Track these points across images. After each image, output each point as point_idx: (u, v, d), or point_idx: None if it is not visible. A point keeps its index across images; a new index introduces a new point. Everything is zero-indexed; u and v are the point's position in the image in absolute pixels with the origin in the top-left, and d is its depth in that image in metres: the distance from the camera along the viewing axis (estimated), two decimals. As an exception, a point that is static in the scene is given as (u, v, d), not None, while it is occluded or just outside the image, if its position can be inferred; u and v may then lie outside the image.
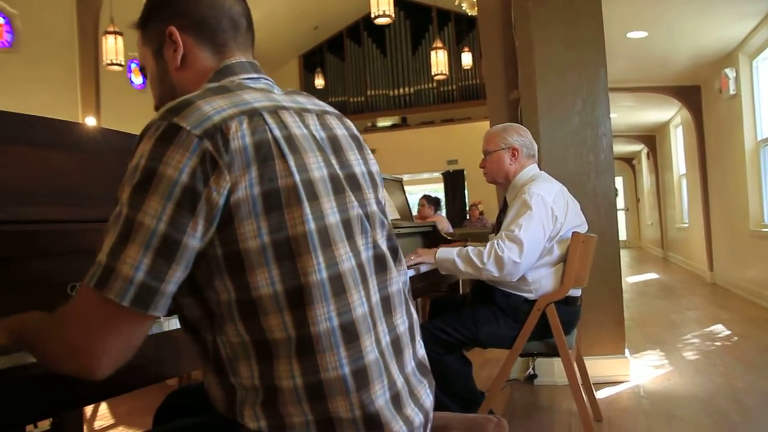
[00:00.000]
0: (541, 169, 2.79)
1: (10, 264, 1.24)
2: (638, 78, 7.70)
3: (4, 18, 11.65)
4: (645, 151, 14.24)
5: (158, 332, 1.36)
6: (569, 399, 3.19)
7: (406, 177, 6.33)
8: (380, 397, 0.97)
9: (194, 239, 0.88)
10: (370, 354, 0.97)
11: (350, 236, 1.00)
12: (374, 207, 1.08)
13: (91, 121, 12.60)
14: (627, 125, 11.62)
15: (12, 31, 11.80)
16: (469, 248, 2.52)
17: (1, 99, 10.89)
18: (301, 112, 1.04)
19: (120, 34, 10.72)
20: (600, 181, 3.64)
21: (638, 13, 5.36)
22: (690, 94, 8.19)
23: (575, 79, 3.65)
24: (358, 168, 1.08)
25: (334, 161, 1.03)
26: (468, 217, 13.11)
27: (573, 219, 2.58)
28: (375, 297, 1.02)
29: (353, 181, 1.05)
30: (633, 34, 5.89)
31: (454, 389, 2.55)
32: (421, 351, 1.12)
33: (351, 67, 16.34)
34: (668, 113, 10.34)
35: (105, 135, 1.76)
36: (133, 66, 14.41)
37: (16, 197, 1.38)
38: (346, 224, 1.00)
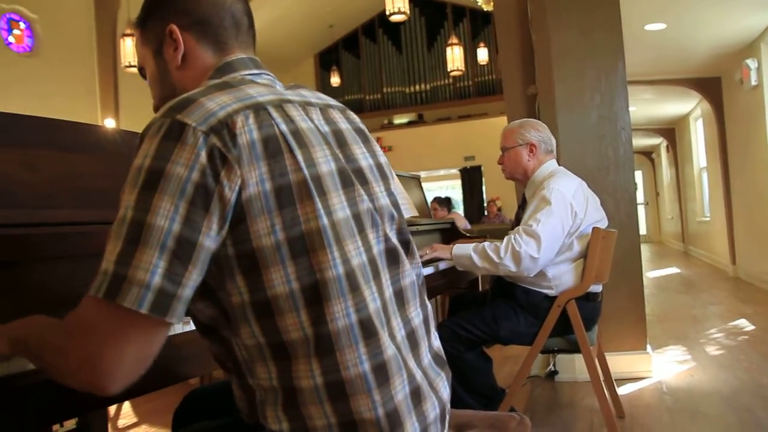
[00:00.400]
0: (559, 165, 2.77)
1: (34, 266, 1.25)
2: (657, 71, 7.62)
3: (24, 23, 11.80)
4: (664, 144, 14.09)
5: (181, 331, 1.37)
6: (591, 395, 3.17)
7: (423, 174, 6.31)
8: (399, 393, 0.95)
9: (209, 239, 0.85)
10: (389, 349, 0.95)
11: (361, 230, 0.98)
12: (383, 200, 1.05)
13: (110, 123, 12.74)
14: (646, 118, 11.51)
15: (32, 35, 11.94)
16: (486, 243, 2.51)
17: (22, 102, 11.04)
18: (305, 106, 1.02)
19: (137, 36, 10.79)
20: (619, 176, 3.61)
21: (656, 4, 5.30)
22: (710, 86, 8.09)
23: (593, 73, 3.62)
24: (365, 161, 1.05)
25: (340, 155, 1.01)
26: (486, 213, 13.07)
27: (593, 214, 2.56)
28: (388, 291, 1.00)
29: (360, 175, 1.03)
30: (651, 27, 5.83)
31: (475, 386, 2.54)
32: (437, 343, 1.10)
33: (367, 65, 16.32)
34: (688, 106, 10.22)
35: (125, 137, 1.77)
36: (151, 67, 14.50)
37: (41, 200, 1.40)
38: (357, 218, 0.98)
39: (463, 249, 2.53)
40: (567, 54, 3.64)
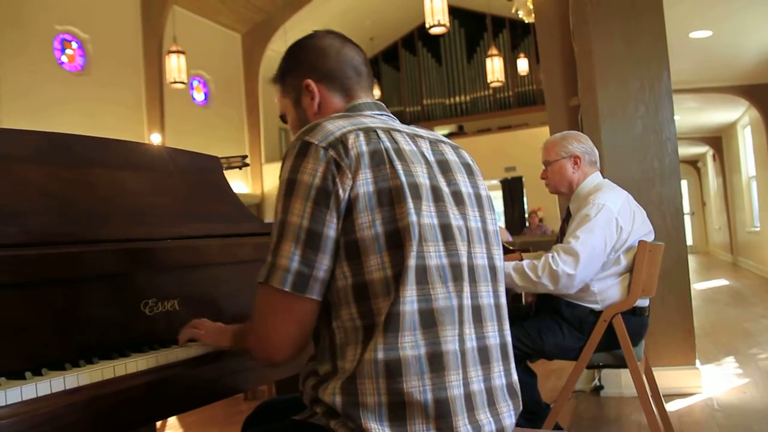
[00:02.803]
0: (603, 176, 2.73)
1: (84, 284, 1.29)
2: (702, 78, 7.46)
3: (77, 43, 12.20)
4: (710, 153, 13.77)
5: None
6: (638, 411, 3.10)
7: (464, 186, 6.28)
8: (454, 388, 1.04)
9: (331, 230, 1.04)
10: (449, 344, 1.05)
11: (447, 239, 1.10)
12: (474, 223, 1.17)
13: (156, 138, 13.05)
14: (691, 127, 11.27)
15: (84, 55, 12.34)
16: (525, 262, 2.48)
17: (74, 119, 11.41)
18: (413, 136, 1.18)
19: (182, 52, 11.09)
20: (665, 188, 3.54)
21: (701, 12, 5.21)
22: (759, 93, 7.89)
23: (637, 84, 3.57)
24: (465, 188, 1.19)
25: (440, 177, 1.15)
26: (527, 224, 12.95)
27: (640, 228, 2.51)
28: (466, 300, 1.10)
29: (458, 197, 1.16)
30: (696, 34, 5.73)
31: (519, 402, 2.51)
32: (515, 376, 1.19)
33: (406, 77, 16.40)
34: (735, 113, 9.97)
35: (172, 155, 1.82)
36: (195, 83, 14.87)
37: (92, 218, 1.45)
38: (443, 228, 1.10)
39: (504, 267, 2.51)
40: (610, 64, 3.60)
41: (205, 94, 15.39)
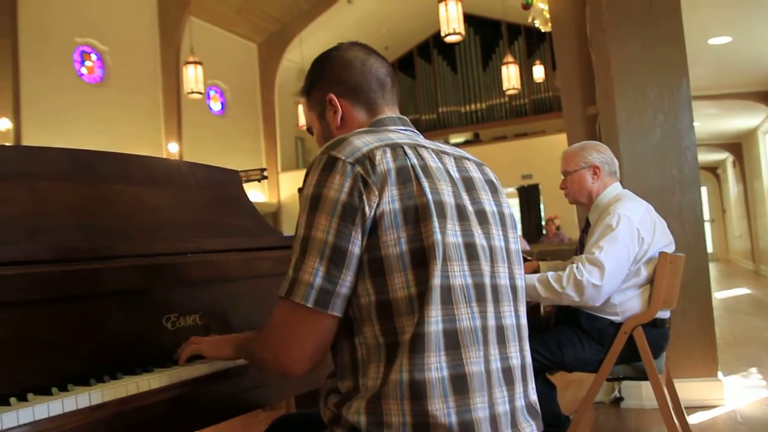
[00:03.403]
0: (622, 185, 2.71)
1: (107, 300, 1.31)
2: (721, 84, 7.40)
3: (96, 54, 12.36)
4: (730, 159, 13.63)
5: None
6: (659, 424, 3.06)
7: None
8: (479, 410, 1.04)
9: (356, 246, 1.04)
10: (474, 366, 1.05)
11: (471, 259, 1.10)
12: (497, 242, 1.17)
13: (173, 148, 13.16)
14: (710, 133, 11.17)
15: (103, 66, 12.49)
16: (549, 273, 2.46)
17: (94, 129, 11.56)
18: (439, 153, 1.17)
19: (199, 63, 11.19)
20: (685, 196, 3.50)
21: (720, 18, 5.17)
22: (780, 99, 7.81)
23: (655, 92, 3.54)
24: (489, 207, 1.18)
25: (464, 195, 1.15)
26: (544, 232, 12.88)
27: (660, 239, 2.49)
28: (491, 321, 1.10)
29: (482, 215, 1.16)
30: (715, 40, 5.68)
31: (539, 414, 2.49)
32: (534, 396, 1.18)
33: (422, 85, 16.42)
34: (755, 119, 9.86)
35: (192, 169, 1.83)
36: (212, 93, 14.99)
37: (114, 234, 1.46)
38: (468, 247, 1.10)
39: (528, 279, 2.49)
40: (628, 72, 3.57)
41: (222, 104, 15.51)
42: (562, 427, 2.54)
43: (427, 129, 15.95)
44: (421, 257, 1.04)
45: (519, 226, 14.45)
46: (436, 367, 1.02)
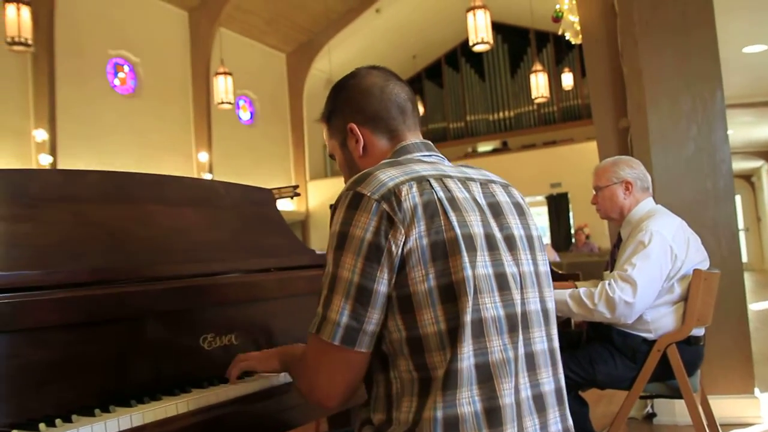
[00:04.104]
0: (654, 198, 2.69)
1: (146, 321, 1.34)
2: (756, 92, 7.28)
3: (129, 66, 12.59)
4: (765, 167, 13.38)
5: (285, 382, 1.42)
6: (694, 441, 3.00)
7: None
8: None
9: (383, 285, 1.05)
10: (506, 398, 1.05)
11: (502, 289, 1.10)
12: (527, 266, 1.16)
13: (204, 157, 13.33)
14: (744, 141, 10.98)
15: (135, 78, 12.72)
16: (581, 289, 2.45)
17: (126, 140, 11.77)
18: (465, 180, 1.17)
19: (229, 74, 11.35)
20: (719, 210, 3.45)
21: (755, 26, 5.09)
22: (816, 107, 7.66)
23: (689, 103, 3.50)
24: (517, 231, 1.18)
25: (493, 223, 1.14)
26: (574, 241, 12.75)
27: (694, 256, 2.46)
28: (520, 350, 1.10)
29: (510, 241, 1.15)
30: (750, 49, 5.60)
31: None
32: (570, 421, 1.18)
33: (450, 93, 16.41)
34: (791, 127, 9.67)
35: (227, 189, 1.86)
36: (241, 102, 15.17)
37: (152, 255, 1.49)
38: (498, 277, 1.10)
39: (560, 294, 2.48)
40: (660, 84, 3.53)
41: (251, 114, 15.68)
42: (595, 445, 2.52)
43: (455, 137, 15.92)
44: (450, 292, 1.04)
45: (548, 234, 14.34)
46: (468, 401, 1.03)
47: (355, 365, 1.09)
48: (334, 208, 1.12)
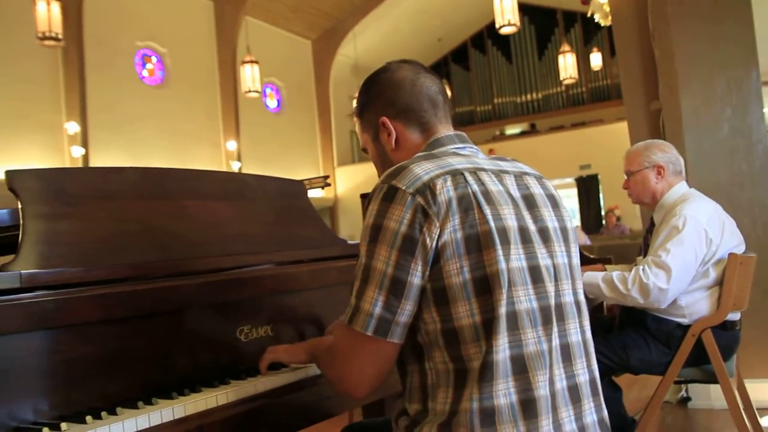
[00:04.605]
0: (688, 182, 2.65)
1: (184, 314, 1.37)
2: (793, 69, 7.07)
3: (156, 57, 12.72)
4: (803, 144, 13.02)
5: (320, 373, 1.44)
6: (729, 426, 2.97)
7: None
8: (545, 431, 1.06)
9: (416, 278, 1.06)
10: (541, 389, 1.06)
11: (536, 281, 1.11)
12: (561, 259, 1.17)
13: (232, 145, 13.44)
14: (780, 119, 10.69)
15: (163, 68, 12.85)
16: (614, 273, 2.43)
17: (155, 130, 11.92)
18: (499, 173, 1.18)
19: (256, 62, 11.40)
20: (756, 192, 3.38)
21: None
22: None
23: (723, 84, 3.43)
24: (551, 223, 1.18)
25: (527, 216, 1.15)
26: (604, 223, 12.62)
27: (730, 240, 2.42)
28: (555, 342, 1.11)
29: (544, 233, 1.16)
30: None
31: (605, 417, 2.47)
32: (605, 412, 1.19)
33: (476, 76, 16.28)
34: (830, 103, 9.41)
35: (259, 182, 1.88)
36: (268, 90, 15.24)
37: (189, 249, 1.52)
38: (532, 270, 1.11)
39: (592, 278, 2.47)
40: (693, 65, 3.46)
41: (278, 101, 15.75)
42: (628, 430, 2.51)
43: (483, 120, 15.80)
44: (485, 285, 1.05)
45: (578, 217, 14.21)
46: (504, 393, 1.04)
47: (385, 356, 1.10)
48: (368, 201, 1.13)
